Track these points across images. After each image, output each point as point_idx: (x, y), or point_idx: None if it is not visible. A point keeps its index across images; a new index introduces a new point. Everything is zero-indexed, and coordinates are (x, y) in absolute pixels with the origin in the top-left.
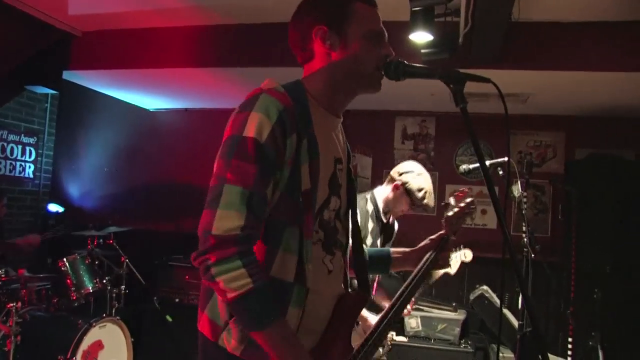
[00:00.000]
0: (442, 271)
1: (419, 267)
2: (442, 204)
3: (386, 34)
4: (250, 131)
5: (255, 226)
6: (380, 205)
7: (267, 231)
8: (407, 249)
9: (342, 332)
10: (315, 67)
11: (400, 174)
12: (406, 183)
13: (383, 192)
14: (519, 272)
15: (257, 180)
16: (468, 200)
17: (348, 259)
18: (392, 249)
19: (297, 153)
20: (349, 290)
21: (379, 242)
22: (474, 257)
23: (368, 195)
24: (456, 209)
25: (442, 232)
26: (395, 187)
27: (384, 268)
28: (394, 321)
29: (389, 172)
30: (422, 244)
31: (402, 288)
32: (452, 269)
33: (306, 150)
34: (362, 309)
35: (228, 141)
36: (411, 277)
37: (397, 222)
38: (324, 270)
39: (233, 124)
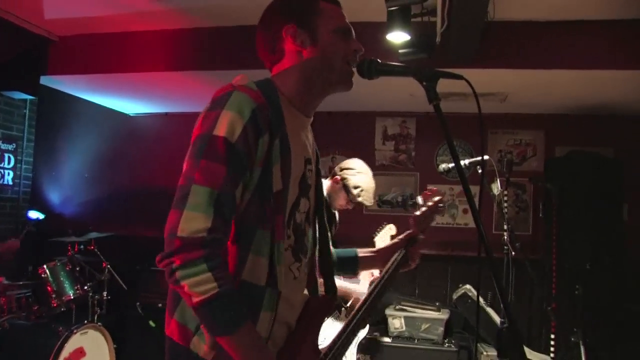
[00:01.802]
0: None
1: (387, 266)
2: (410, 202)
3: (353, 31)
4: (221, 130)
5: (222, 229)
6: (325, 196)
7: (237, 234)
8: (374, 249)
9: (307, 337)
10: (287, 66)
11: (342, 170)
12: (345, 179)
13: (325, 185)
14: (494, 269)
15: (226, 181)
16: (436, 198)
17: (317, 262)
18: (359, 249)
19: (268, 153)
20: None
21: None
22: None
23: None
24: (424, 208)
25: (410, 231)
26: (335, 182)
27: (351, 269)
28: (364, 320)
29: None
30: (390, 243)
31: (371, 287)
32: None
33: (278, 150)
34: (329, 313)
35: (197, 140)
36: (380, 276)
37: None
38: (290, 276)
39: (203, 122)
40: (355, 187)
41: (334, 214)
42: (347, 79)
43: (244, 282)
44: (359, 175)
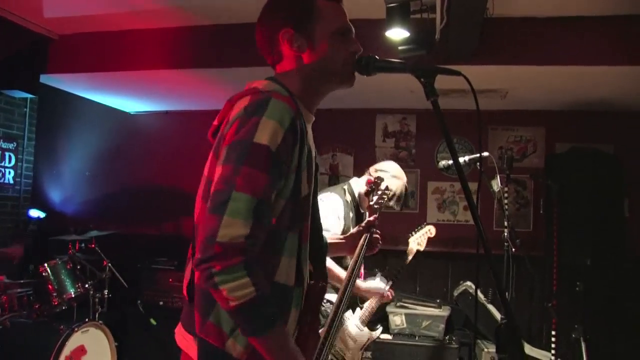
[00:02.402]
0: (414, 249)
1: (358, 250)
2: (363, 192)
3: (353, 29)
4: (263, 138)
5: (259, 235)
6: (357, 196)
7: (271, 238)
8: (341, 236)
9: (313, 323)
10: (287, 68)
11: (376, 171)
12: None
13: (358, 184)
14: (493, 266)
15: (266, 189)
16: (383, 186)
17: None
18: (328, 238)
19: (299, 159)
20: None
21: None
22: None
23: (345, 187)
24: (375, 197)
25: (369, 218)
26: (368, 182)
27: None
28: (348, 302)
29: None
30: (354, 230)
31: (349, 269)
32: (421, 246)
33: (305, 156)
34: (323, 298)
35: (236, 146)
36: (354, 259)
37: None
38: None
39: (241, 128)
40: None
41: (363, 214)
42: (349, 79)
43: (277, 284)
44: (392, 179)
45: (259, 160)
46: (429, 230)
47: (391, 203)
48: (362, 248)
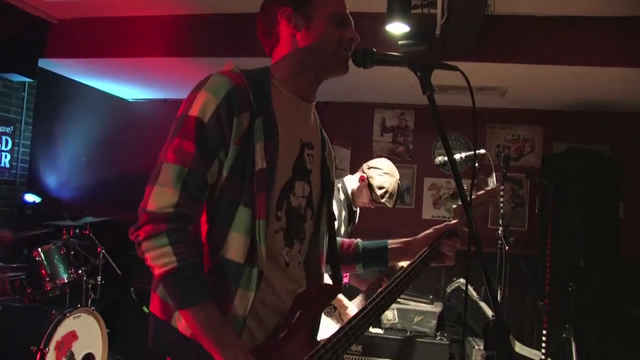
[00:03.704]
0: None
1: (414, 259)
2: (452, 193)
3: (352, 20)
4: (194, 110)
5: (190, 205)
6: (349, 193)
7: (218, 211)
8: (405, 240)
9: (300, 325)
10: (282, 53)
11: (369, 168)
12: (370, 178)
13: (351, 182)
14: (483, 263)
15: (195, 160)
16: (489, 188)
17: (324, 250)
18: (390, 240)
19: (248, 132)
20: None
21: (349, 229)
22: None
23: (339, 184)
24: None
25: (451, 222)
26: (361, 179)
27: (382, 260)
28: (375, 317)
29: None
30: (425, 233)
31: (392, 281)
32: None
33: (261, 129)
34: (329, 301)
35: (176, 121)
36: (404, 271)
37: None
38: (281, 262)
39: (184, 104)
40: (380, 188)
41: (355, 211)
42: (342, 64)
43: (223, 259)
44: (385, 176)
45: (187, 131)
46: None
47: (383, 200)
48: (420, 257)
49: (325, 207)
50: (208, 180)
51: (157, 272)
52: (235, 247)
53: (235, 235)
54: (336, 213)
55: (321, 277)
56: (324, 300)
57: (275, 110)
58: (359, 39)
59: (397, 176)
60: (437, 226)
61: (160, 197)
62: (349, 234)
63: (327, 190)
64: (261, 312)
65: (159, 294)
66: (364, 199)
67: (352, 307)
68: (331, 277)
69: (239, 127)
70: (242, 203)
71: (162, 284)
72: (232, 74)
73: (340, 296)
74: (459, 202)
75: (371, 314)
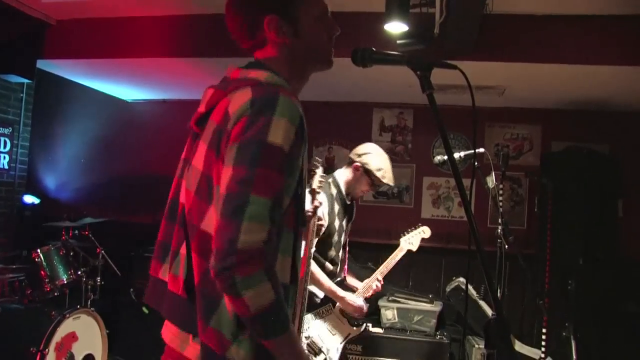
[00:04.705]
0: (405, 249)
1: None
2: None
3: (329, 9)
4: (277, 138)
5: (275, 237)
6: (343, 188)
7: None
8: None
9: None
10: (272, 54)
11: (359, 155)
12: (366, 164)
13: (344, 175)
14: (483, 262)
15: (281, 192)
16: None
17: None
18: None
19: (303, 157)
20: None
21: (344, 223)
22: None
23: (330, 180)
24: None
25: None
26: (356, 169)
27: None
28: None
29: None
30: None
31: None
32: (413, 246)
33: (305, 153)
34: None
35: (248, 146)
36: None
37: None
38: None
39: (250, 126)
40: (379, 170)
41: (351, 205)
42: (329, 59)
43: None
44: (378, 157)
45: (274, 162)
46: (423, 231)
47: (385, 180)
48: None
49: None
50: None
51: (255, 310)
52: (285, 270)
53: (282, 258)
54: (328, 208)
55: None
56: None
57: None
58: (339, 29)
59: (386, 155)
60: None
61: (253, 234)
62: (347, 229)
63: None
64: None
65: (213, 325)
66: (363, 187)
67: (350, 296)
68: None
69: (302, 154)
70: (289, 227)
71: (256, 320)
72: (293, 95)
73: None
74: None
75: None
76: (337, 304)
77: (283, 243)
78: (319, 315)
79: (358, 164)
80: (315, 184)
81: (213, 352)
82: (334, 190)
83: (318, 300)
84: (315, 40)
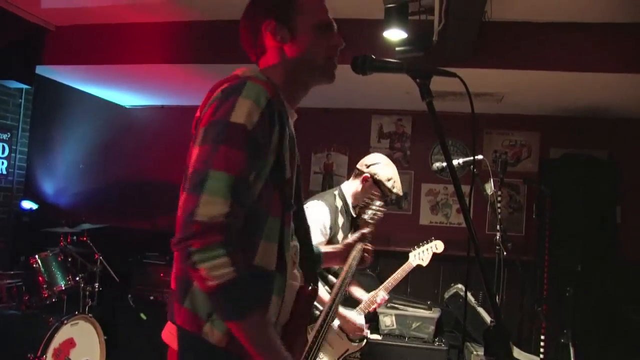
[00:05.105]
0: (414, 264)
1: (350, 260)
2: (361, 205)
3: (335, 25)
4: (239, 117)
5: (239, 214)
6: (349, 200)
7: (250, 220)
8: (335, 246)
9: (302, 326)
10: (270, 62)
11: (368, 166)
12: (375, 174)
13: (352, 187)
14: (483, 268)
15: (244, 168)
16: (377, 203)
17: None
18: (322, 247)
19: (280, 142)
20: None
21: (349, 236)
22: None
23: (336, 192)
24: (370, 212)
25: (363, 231)
26: (365, 180)
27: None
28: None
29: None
30: (348, 239)
31: (339, 280)
32: (425, 261)
33: (287, 140)
34: (313, 302)
35: (213, 126)
36: (345, 270)
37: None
38: (291, 263)
39: (217, 110)
40: (389, 179)
41: (356, 218)
42: (330, 73)
43: (256, 267)
44: (387, 167)
45: (235, 139)
46: (436, 246)
47: (395, 190)
48: (353, 259)
49: (300, 212)
50: (252, 188)
51: (212, 283)
52: (267, 256)
53: (266, 243)
54: (328, 223)
55: (315, 278)
56: (311, 303)
57: (289, 121)
58: (344, 43)
59: (394, 165)
60: (355, 235)
61: (212, 206)
62: None
63: (300, 194)
64: (282, 315)
65: (187, 306)
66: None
67: (352, 314)
68: (308, 279)
69: (275, 138)
70: (272, 212)
71: (214, 296)
72: (264, 83)
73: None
74: (364, 216)
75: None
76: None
77: (267, 228)
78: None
79: (367, 174)
80: (368, 215)
81: (188, 333)
82: (339, 203)
83: (318, 313)
84: (311, 49)
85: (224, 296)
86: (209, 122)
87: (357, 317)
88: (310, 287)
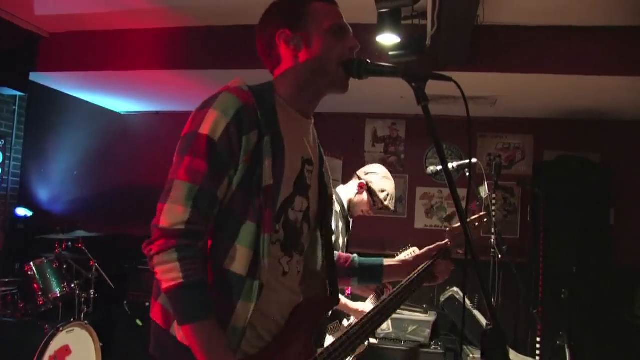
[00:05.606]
0: None
1: (409, 276)
2: (445, 216)
3: (350, 29)
4: (205, 128)
5: (200, 222)
6: (345, 204)
7: (223, 225)
8: (401, 259)
9: (298, 335)
10: (283, 70)
11: (367, 174)
12: (370, 182)
13: (347, 191)
14: (479, 271)
15: (205, 178)
16: (481, 214)
17: (323, 263)
18: (385, 259)
19: (257, 150)
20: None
21: (346, 239)
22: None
23: (333, 196)
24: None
25: (443, 242)
26: (360, 187)
27: (376, 277)
28: (371, 330)
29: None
30: (418, 253)
31: (383, 300)
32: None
33: (269, 147)
34: (325, 314)
35: (184, 138)
36: (399, 286)
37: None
38: (279, 270)
39: (192, 121)
40: (382, 192)
41: (350, 222)
42: (342, 82)
43: (225, 271)
44: (384, 180)
45: (198, 150)
46: (413, 252)
47: (386, 203)
48: (415, 275)
49: (323, 221)
50: (218, 197)
51: (164, 286)
52: (238, 260)
53: (239, 248)
54: (333, 226)
55: (325, 289)
56: (321, 312)
57: (281, 128)
58: (359, 45)
59: (393, 181)
60: (429, 247)
61: (172, 214)
62: (346, 245)
63: (326, 205)
64: (260, 323)
65: (161, 302)
66: (363, 207)
67: (364, 306)
68: (328, 291)
69: (248, 145)
70: (249, 218)
71: (167, 298)
72: (240, 92)
73: (350, 302)
74: (453, 225)
75: (367, 326)
76: (344, 320)
77: (242, 233)
78: (327, 332)
79: (363, 182)
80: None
81: (159, 327)
82: (337, 207)
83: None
84: (324, 55)
85: (172, 299)
86: (183, 134)
87: (367, 306)
88: (321, 298)
